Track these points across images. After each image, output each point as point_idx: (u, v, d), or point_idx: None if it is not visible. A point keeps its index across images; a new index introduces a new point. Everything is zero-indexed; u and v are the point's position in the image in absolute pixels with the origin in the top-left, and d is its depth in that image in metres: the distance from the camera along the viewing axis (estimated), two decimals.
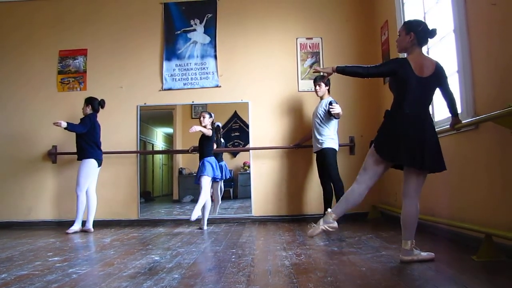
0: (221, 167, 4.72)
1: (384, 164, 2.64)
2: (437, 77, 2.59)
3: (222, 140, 5.46)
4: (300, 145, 5.13)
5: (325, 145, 4.48)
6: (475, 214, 2.91)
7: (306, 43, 5.36)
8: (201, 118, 4.58)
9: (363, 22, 5.34)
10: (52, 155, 5.30)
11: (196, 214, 4.34)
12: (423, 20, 2.75)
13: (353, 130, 5.19)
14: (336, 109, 4.30)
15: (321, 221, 2.72)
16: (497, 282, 2.19)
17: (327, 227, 2.69)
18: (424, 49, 3.72)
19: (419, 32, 2.60)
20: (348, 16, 5.37)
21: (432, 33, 2.64)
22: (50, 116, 5.32)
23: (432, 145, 2.52)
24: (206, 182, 4.46)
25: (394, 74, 2.65)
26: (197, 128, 4.36)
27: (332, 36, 5.34)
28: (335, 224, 2.70)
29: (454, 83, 3.16)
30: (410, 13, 4.21)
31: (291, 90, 5.31)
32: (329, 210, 2.76)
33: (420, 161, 2.48)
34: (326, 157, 4.49)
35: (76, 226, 4.60)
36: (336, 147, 4.55)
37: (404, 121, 2.56)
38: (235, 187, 5.68)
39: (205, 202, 4.49)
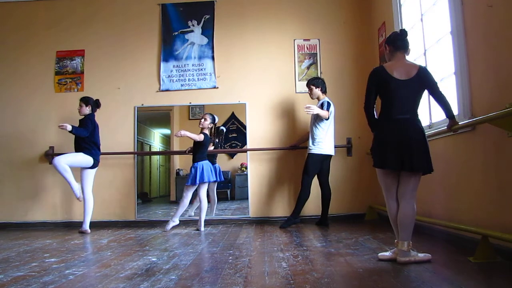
0: (215, 169, 4.71)
1: (388, 173, 2.67)
2: (421, 80, 2.64)
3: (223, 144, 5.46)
4: (297, 146, 5.13)
5: (312, 151, 4.52)
6: (471, 216, 2.92)
7: (304, 45, 5.37)
8: (202, 120, 4.58)
9: (360, 23, 5.36)
10: (49, 156, 5.28)
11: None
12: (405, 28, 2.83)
13: (350, 131, 5.19)
14: (311, 110, 4.28)
15: (399, 257, 2.54)
16: (493, 283, 2.20)
17: (414, 259, 2.52)
18: (421, 52, 3.79)
19: (390, 42, 2.76)
20: (345, 18, 5.38)
21: (402, 34, 2.75)
22: (47, 117, 5.33)
23: (420, 147, 2.57)
24: (187, 190, 4.52)
25: (377, 86, 2.72)
26: (184, 133, 4.32)
27: (330, 37, 5.35)
28: (415, 254, 2.55)
29: (451, 85, 3.17)
30: (407, 15, 4.22)
31: (288, 91, 5.31)
32: (397, 242, 2.59)
33: (409, 163, 2.54)
34: (306, 161, 4.55)
35: (76, 188, 4.57)
36: (327, 151, 4.54)
37: (390, 126, 2.63)
38: (232, 188, 5.67)
39: (204, 205, 4.53)
